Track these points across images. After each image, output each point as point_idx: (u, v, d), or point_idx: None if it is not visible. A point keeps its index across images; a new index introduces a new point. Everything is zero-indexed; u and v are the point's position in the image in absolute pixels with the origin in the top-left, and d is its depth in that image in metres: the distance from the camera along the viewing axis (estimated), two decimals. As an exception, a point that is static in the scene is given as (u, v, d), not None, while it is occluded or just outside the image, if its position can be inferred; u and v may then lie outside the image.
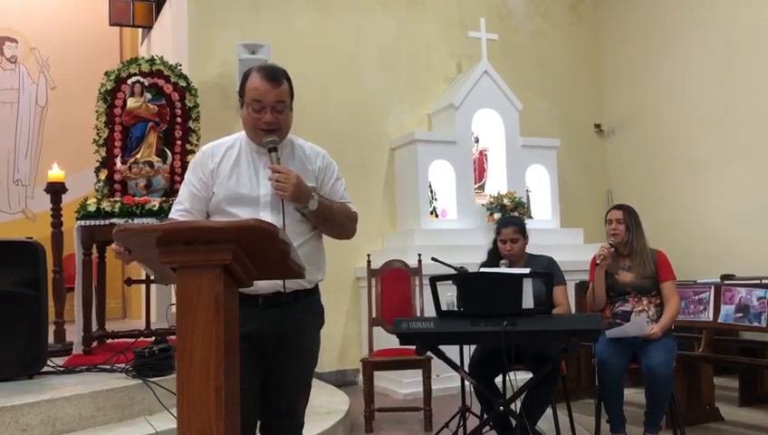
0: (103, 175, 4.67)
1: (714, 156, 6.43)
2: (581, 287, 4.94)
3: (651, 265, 3.72)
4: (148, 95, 4.78)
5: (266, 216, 2.13)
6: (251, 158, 2.22)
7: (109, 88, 4.73)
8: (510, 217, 4.84)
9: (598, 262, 3.71)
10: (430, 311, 3.48)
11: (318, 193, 2.21)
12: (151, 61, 4.88)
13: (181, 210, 2.24)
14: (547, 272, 3.40)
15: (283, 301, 2.15)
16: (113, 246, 1.99)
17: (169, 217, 2.29)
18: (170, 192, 4.72)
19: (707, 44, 6.51)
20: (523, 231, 3.79)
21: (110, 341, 4.79)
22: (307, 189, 2.14)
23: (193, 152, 4.78)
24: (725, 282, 4.69)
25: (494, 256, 3.81)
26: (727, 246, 6.19)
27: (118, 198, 4.56)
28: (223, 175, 2.21)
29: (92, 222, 4.38)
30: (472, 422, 3.76)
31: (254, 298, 2.10)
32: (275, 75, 2.17)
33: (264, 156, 2.18)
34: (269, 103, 2.15)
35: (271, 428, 2.26)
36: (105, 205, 4.44)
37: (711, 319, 4.21)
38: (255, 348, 2.11)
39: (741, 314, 4.05)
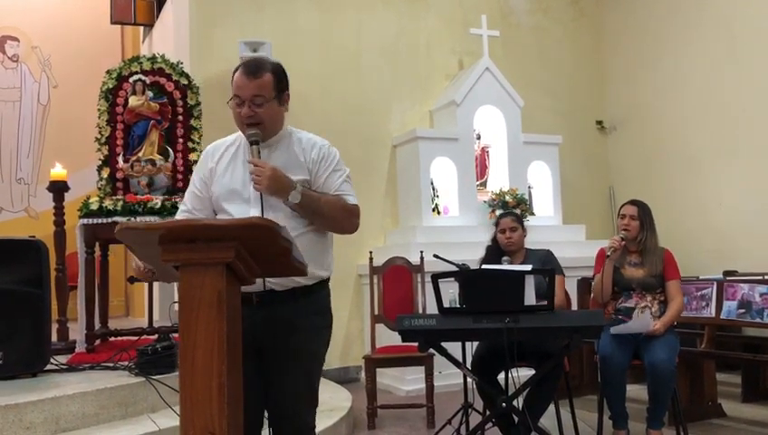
0: (105, 173, 4.67)
1: (716, 152, 6.42)
2: (584, 284, 4.94)
3: (660, 264, 3.71)
4: (150, 93, 4.79)
5: (256, 212, 2.10)
6: (248, 154, 2.19)
7: (110, 86, 4.74)
8: (507, 210, 5.20)
9: (608, 253, 3.68)
10: (432, 308, 3.48)
11: (306, 185, 2.15)
12: (153, 59, 4.88)
13: (183, 210, 2.29)
14: (549, 268, 3.40)
15: (278, 299, 2.08)
16: (136, 265, 2.04)
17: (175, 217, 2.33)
18: (172, 190, 4.72)
19: (710, 40, 6.49)
20: (520, 221, 3.86)
21: (112, 339, 4.81)
22: (286, 182, 2.08)
23: (195, 150, 4.79)
24: (728, 278, 4.67)
25: (493, 252, 3.82)
26: (730, 242, 6.19)
27: (120, 197, 4.56)
28: (220, 172, 2.22)
29: (95, 220, 4.39)
30: (474, 419, 3.77)
31: (248, 296, 2.02)
32: (254, 68, 2.14)
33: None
34: (246, 97, 2.12)
35: (277, 430, 2.21)
36: (107, 203, 4.45)
37: (713, 315, 4.19)
38: (250, 347, 2.01)
39: (743, 311, 4.05)
